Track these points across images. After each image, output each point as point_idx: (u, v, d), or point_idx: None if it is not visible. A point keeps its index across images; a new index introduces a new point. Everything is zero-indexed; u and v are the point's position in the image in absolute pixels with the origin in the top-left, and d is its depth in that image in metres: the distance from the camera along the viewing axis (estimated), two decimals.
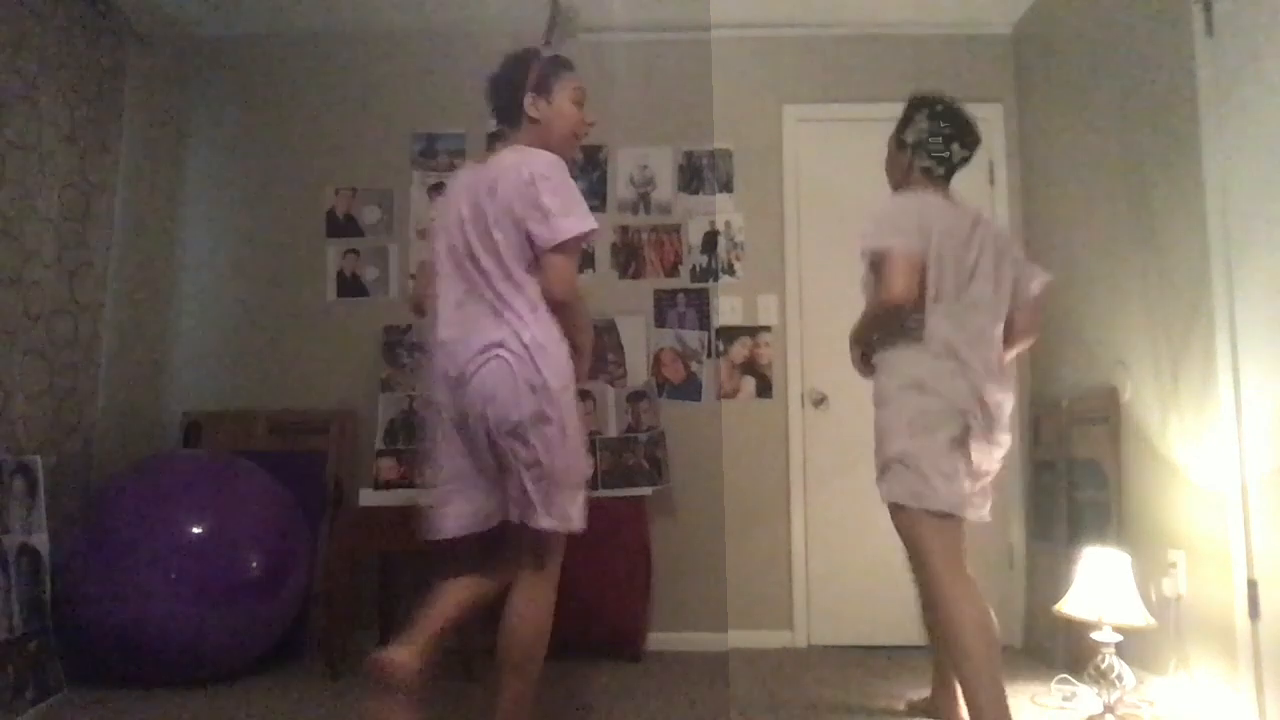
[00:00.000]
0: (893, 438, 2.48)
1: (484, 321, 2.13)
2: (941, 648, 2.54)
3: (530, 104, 2.25)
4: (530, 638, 2.17)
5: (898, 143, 2.67)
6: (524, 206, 2.11)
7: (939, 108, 2.62)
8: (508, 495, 2.17)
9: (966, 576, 2.33)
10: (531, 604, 2.17)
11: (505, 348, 2.09)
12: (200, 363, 4.07)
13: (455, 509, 2.19)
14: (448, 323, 2.18)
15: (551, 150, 2.22)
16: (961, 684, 2.28)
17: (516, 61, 2.31)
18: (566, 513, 2.15)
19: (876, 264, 2.47)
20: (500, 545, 2.25)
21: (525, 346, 2.09)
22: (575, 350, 2.21)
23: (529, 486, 2.11)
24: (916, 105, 2.65)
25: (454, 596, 2.22)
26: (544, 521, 2.13)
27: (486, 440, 2.13)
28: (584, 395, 3.89)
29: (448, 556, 2.25)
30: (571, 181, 2.19)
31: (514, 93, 2.27)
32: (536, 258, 2.13)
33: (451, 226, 2.21)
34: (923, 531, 2.37)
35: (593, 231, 2.16)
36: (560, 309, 2.16)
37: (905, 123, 2.65)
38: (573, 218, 2.12)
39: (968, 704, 2.25)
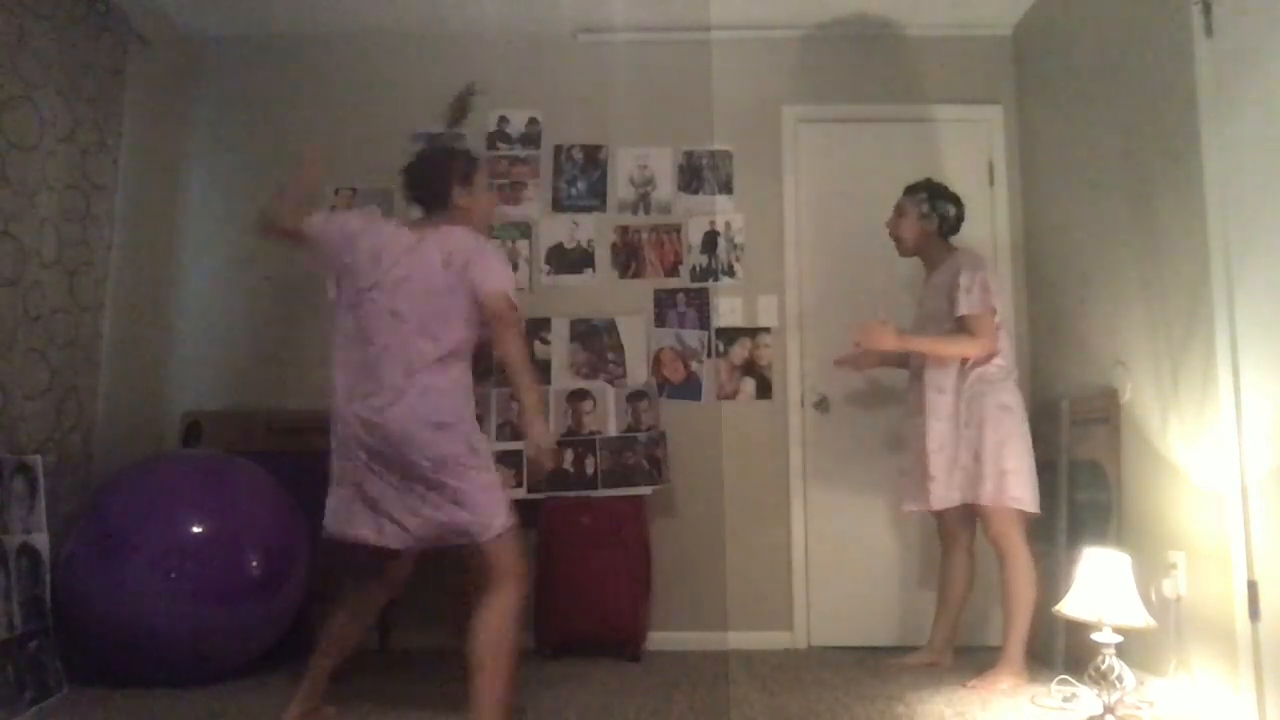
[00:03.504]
0: (1018, 451, 3.12)
1: (396, 370, 2.41)
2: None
3: (459, 195, 2.60)
4: (494, 640, 2.37)
5: (927, 218, 3.38)
6: (480, 275, 2.46)
7: (944, 190, 3.42)
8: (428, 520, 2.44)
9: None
10: (493, 611, 2.40)
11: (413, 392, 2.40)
12: (200, 363, 4.07)
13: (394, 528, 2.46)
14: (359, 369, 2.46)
15: (474, 228, 2.60)
16: (1020, 624, 3.11)
17: (438, 156, 2.67)
18: (500, 518, 2.42)
19: (975, 318, 3.13)
20: (394, 561, 2.57)
21: (429, 390, 2.40)
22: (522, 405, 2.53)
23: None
24: (935, 192, 3.40)
25: (342, 637, 2.63)
26: (487, 536, 2.40)
27: (404, 473, 2.41)
28: (584, 395, 3.90)
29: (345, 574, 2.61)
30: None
31: (441, 185, 2.60)
32: (482, 320, 2.48)
33: (385, 280, 2.48)
34: (1016, 523, 3.13)
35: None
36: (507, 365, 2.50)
37: (932, 206, 3.38)
38: (509, 283, 2.53)
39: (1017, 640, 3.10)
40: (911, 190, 3.42)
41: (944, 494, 3.21)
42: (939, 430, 3.20)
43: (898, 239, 3.43)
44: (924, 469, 3.24)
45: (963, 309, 3.14)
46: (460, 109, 2.76)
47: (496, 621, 2.39)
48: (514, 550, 2.47)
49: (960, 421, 3.18)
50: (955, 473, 3.19)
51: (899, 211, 3.41)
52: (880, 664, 3.43)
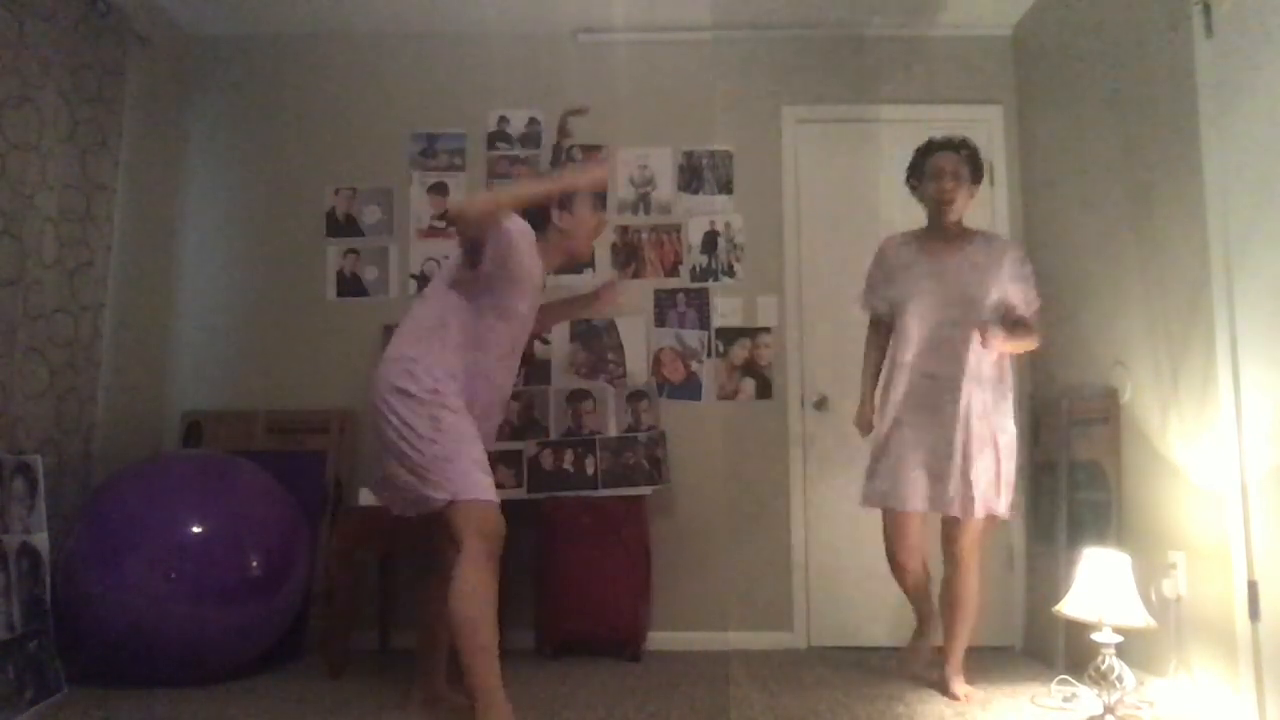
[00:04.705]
0: (1013, 461, 2.98)
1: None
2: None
3: (558, 218, 2.70)
4: (461, 616, 2.38)
5: (973, 182, 3.08)
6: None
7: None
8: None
9: None
10: (458, 582, 2.40)
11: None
12: (200, 363, 4.07)
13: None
14: None
15: (573, 252, 2.81)
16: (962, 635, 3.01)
17: None
18: (457, 484, 2.45)
19: (1037, 314, 3.03)
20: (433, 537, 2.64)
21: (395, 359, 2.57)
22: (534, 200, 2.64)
23: (405, 476, 2.50)
24: (975, 151, 3.09)
25: (436, 615, 2.66)
26: (437, 493, 2.45)
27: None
28: (584, 395, 3.90)
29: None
30: None
31: (541, 208, 2.67)
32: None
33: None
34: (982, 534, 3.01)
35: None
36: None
37: (976, 167, 3.07)
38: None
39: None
40: (952, 147, 3.04)
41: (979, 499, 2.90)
42: (976, 430, 2.90)
43: (951, 204, 3.00)
44: (959, 471, 2.89)
45: (1032, 302, 3.01)
46: (563, 133, 3.04)
47: (455, 586, 2.39)
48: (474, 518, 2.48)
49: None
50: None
51: (954, 174, 3.00)
52: (891, 660, 3.42)
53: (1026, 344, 3.00)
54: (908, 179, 3.15)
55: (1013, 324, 2.97)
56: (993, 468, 2.91)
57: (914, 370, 2.99)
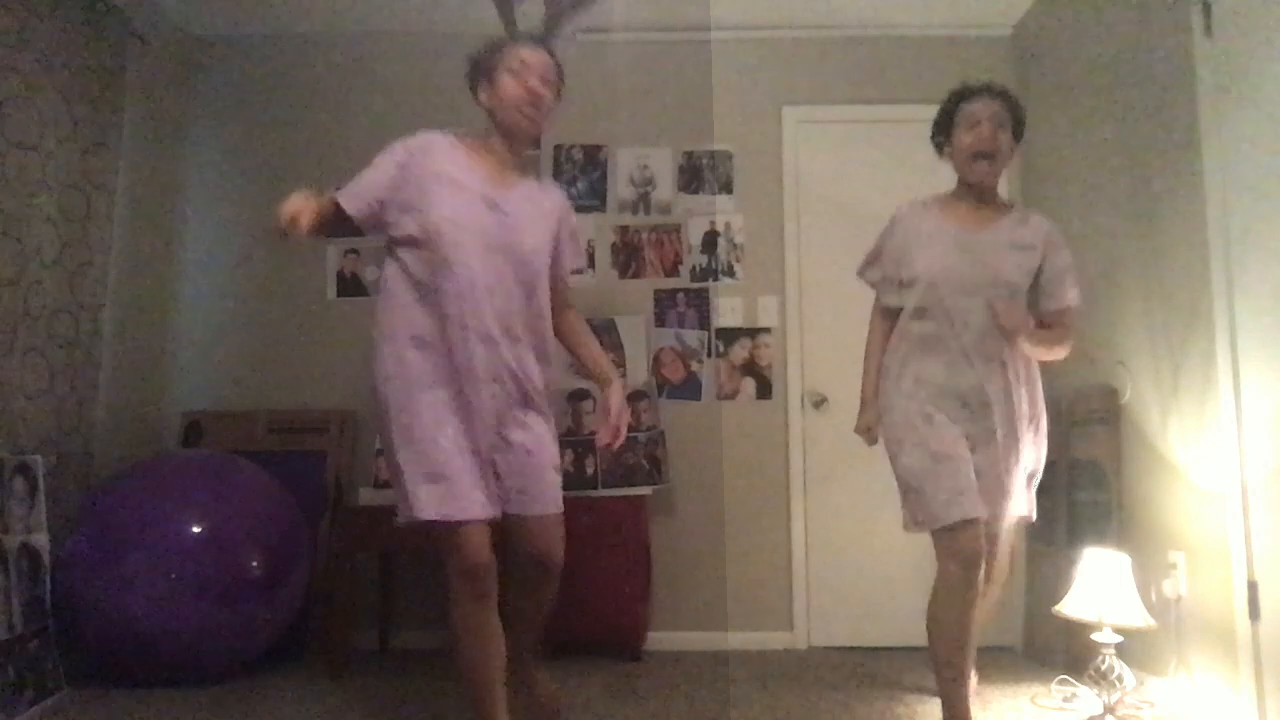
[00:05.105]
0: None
1: None
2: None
3: (483, 98, 2.31)
4: (458, 665, 2.19)
5: (1017, 136, 2.57)
6: None
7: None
8: None
9: None
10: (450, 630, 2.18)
11: None
12: (200, 363, 4.07)
13: None
14: None
15: (507, 132, 2.29)
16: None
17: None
18: (402, 502, 2.13)
19: (1075, 312, 2.59)
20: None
21: None
22: None
23: None
24: (1016, 102, 2.59)
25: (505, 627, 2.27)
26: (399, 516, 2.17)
27: None
28: (584, 395, 3.89)
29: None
30: (379, 157, 2.31)
31: (470, 89, 2.34)
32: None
33: None
34: None
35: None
36: None
37: (1019, 120, 2.56)
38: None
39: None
40: (998, 95, 2.54)
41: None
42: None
43: (992, 156, 2.49)
44: (1008, 475, 2.54)
45: (1075, 296, 2.56)
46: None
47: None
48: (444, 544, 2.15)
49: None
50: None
51: (996, 122, 2.50)
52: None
53: (1055, 350, 2.54)
54: (934, 135, 2.67)
55: (1049, 321, 2.54)
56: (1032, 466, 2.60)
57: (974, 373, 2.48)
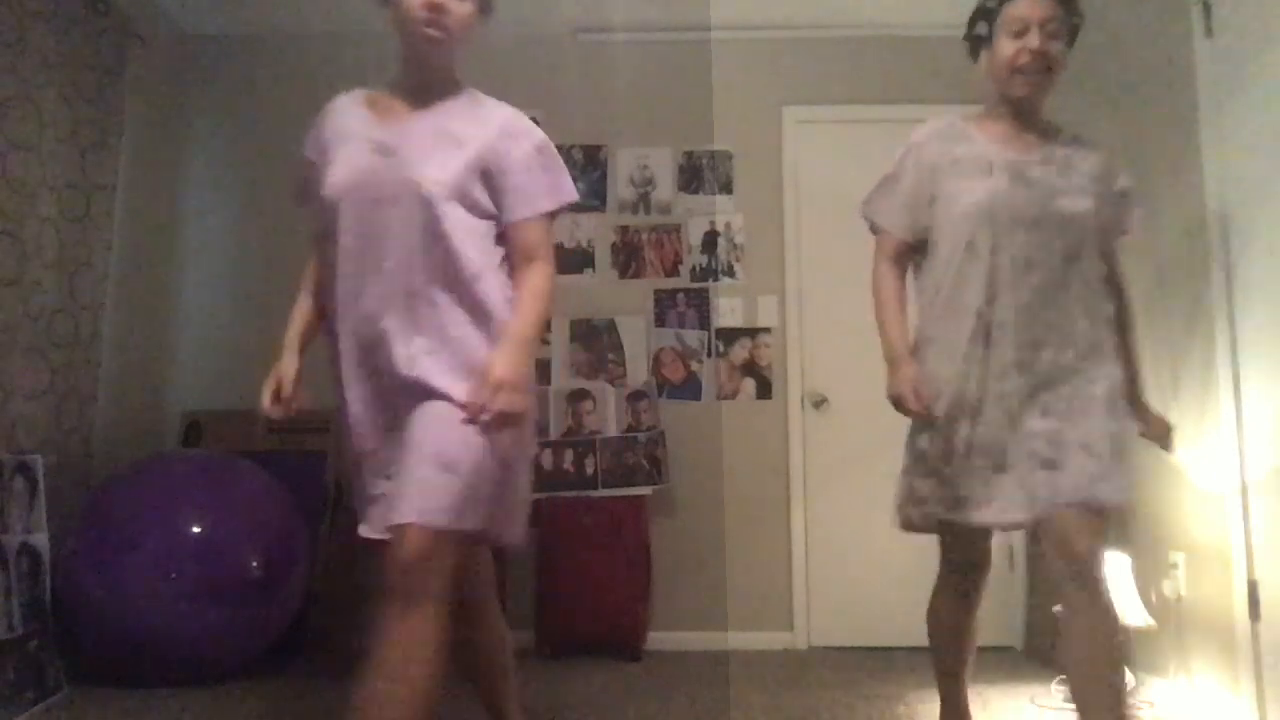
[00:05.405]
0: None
1: None
2: None
3: (388, 20, 1.92)
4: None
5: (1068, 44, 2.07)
6: None
7: None
8: None
9: None
10: None
11: None
12: (200, 363, 4.07)
13: None
14: None
15: (412, 55, 1.98)
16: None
17: None
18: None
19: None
20: None
21: None
22: None
23: None
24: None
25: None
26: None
27: None
28: (584, 395, 3.90)
29: None
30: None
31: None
32: None
33: None
34: None
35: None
36: None
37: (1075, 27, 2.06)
38: None
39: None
40: None
41: None
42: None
43: (1048, 62, 2.09)
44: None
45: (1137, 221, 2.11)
46: None
47: None
48: None
49: None
50: None
51: (1049, 29, 2.05)
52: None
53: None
54: (967, 36, 2.17)
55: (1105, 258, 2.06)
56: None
57: (981, 320, 1.98)
